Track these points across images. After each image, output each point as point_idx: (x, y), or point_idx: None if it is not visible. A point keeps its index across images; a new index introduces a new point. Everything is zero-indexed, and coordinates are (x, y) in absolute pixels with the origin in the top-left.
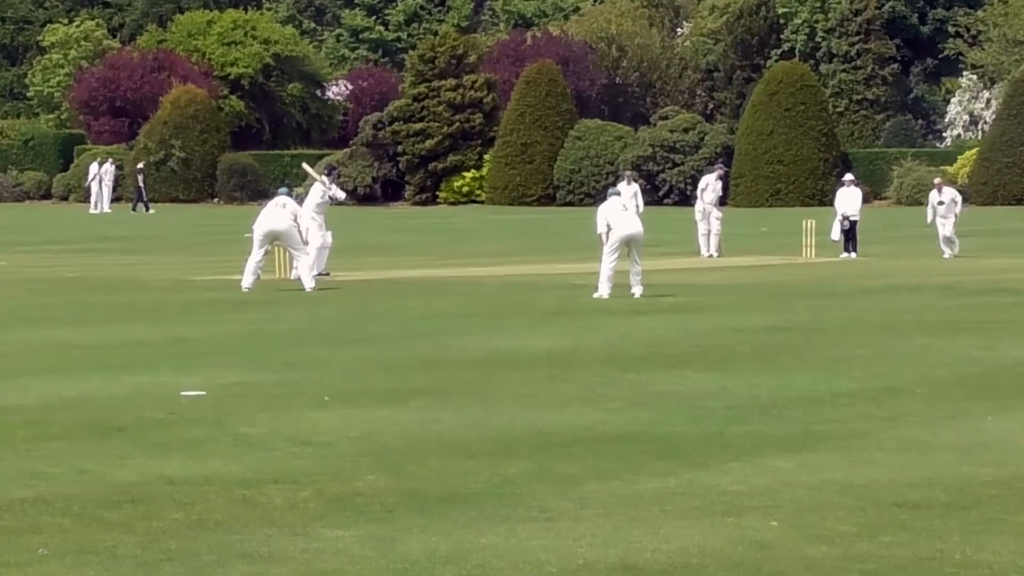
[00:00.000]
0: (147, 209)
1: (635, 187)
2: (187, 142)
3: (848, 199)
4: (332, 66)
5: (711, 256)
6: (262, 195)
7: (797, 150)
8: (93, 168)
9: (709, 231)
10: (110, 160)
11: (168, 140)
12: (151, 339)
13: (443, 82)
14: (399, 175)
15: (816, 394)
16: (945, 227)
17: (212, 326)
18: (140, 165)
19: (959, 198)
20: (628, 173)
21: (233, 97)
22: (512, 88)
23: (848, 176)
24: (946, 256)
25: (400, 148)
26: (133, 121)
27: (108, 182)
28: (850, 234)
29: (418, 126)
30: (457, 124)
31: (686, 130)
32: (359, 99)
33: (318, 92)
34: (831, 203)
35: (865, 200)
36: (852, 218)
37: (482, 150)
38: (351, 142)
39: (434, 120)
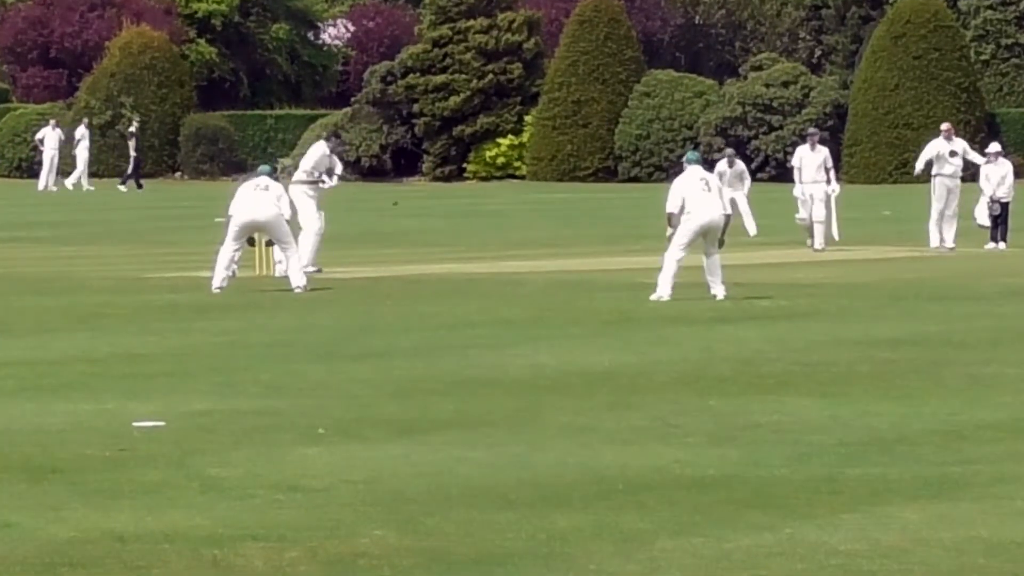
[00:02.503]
0: (139, 185)
1: (741, 166)
2: (141, 100)
3: (995, 176)
4: (328, 1)
5: (814, 249)
6: (237, 168)
7: (929, 110)
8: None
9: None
10: (53, 123)
11: (116, 97)
12: (94, 354)
13: (472, 22)
14: (415, 142)
15: (954, 426)
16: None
17: (172, 338)
18: (134, 127)
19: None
20: (730, 152)
21: (201, 41)
22: (561, 30)
23: (994, 147)
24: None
25: (416, 108)
26: (72, 73)
27: (53, 150)
28: (999, 219)
29: (439, 79)
30: (490, 76)
31: (786, 84)
32: (363, 44)
33: (310, 35)
34: (972, 178)
35: (1017, 174)
36: (1003, 200)
37: (522, 110)
38: (353, 100)
39: (460, 71)
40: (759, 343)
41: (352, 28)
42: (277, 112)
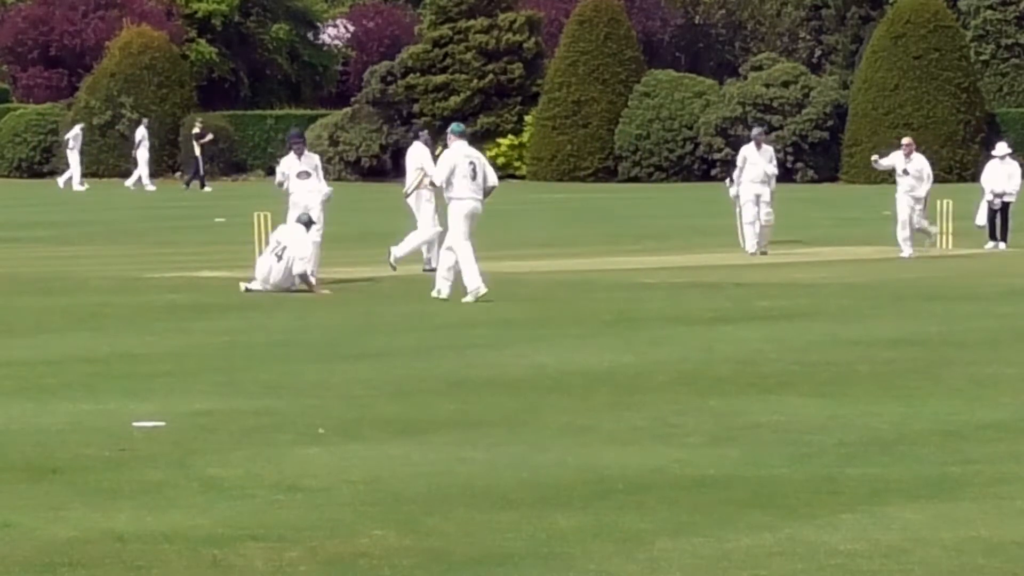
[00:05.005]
0: (202, 185)
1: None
2: (141, 100)
3: (1001, 174)
4: (328, 1)
5: (759, 252)
6: (239, 168)
7: (929, 110)
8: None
9: (757, 218)
10: (146, 122)
11: (116, 97)
12: (94, 354)
13: (472, 22)
14: None
15: (954, 426)
16: (910, 209)
17: (172, 338)
18: (197, 128)
19: (927, 170)
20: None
21: (202, 41)
22: (561, 30)
23: (1002, 147)
24: (905, 254)
25: (416, 107)
26: (72, 73)
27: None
28: (1000, 217)
29: (440, 79)
30: (490, 76)
31: (786, 84)
32: (363, 44)
33: (310, 35)
34: (972, 178)
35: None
36: (1007, 198)
37: (522, 110)
38: (353, 100)
39: (460, 71)
40: (759, 343)
41: (352, 28)
42: (277, 112)
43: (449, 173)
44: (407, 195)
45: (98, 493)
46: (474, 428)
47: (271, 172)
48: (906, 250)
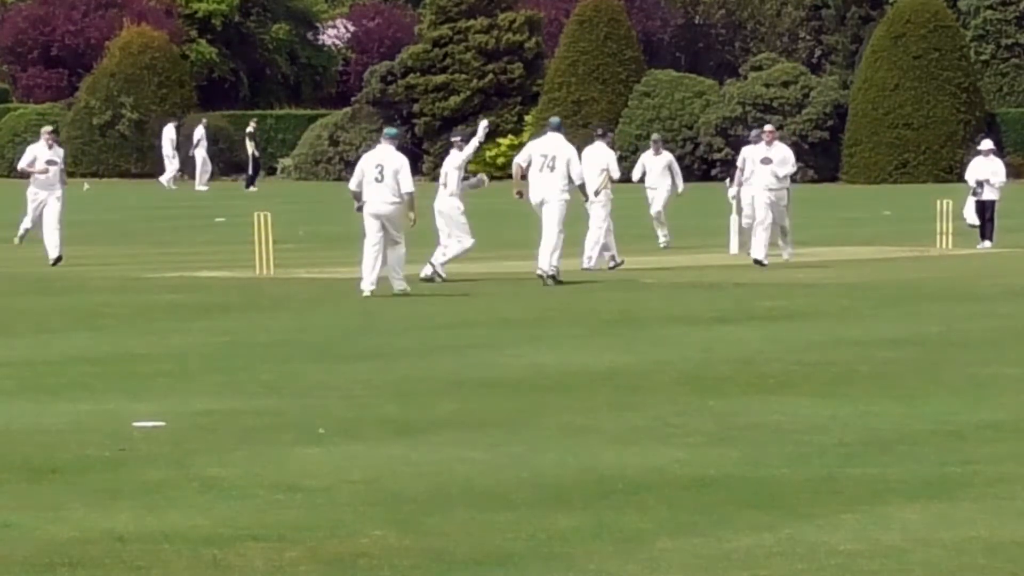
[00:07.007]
0: (252, 184)
1: (669, 156)
2: (141, 99)
3: (986, 170)
4: (328, 2)
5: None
6: (238, 168)
7: (929, 110)
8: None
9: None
10: (205, 121)
11: (116, 97)
12: (94, 354)
13: (472, 22)
14: (415, 142)
15: (955, 426)
16: (768, 207)
17: (172, 338)
18: (251, 127)
19: (792, 158)
20: (655, 138)
21: (202, 41)
22: (561, 30)
23: (987, 143)
24: (787, 255)
25: (416, 107)
26: (72, 73)
27: (204, 149)
28: (988, 216)
29: (440, 79)
30: (490, 76)
31: (786, 84)
32: (363, 44)
33: (310, 35)
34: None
35: (1018, 174)
36: (993, 194)
37: (522, 110)
38: (353, 100)
39: (460, 71)
40: (759, 343)
41: (352, 28)
42: (277, 112)
43: (360, 175)
44: (597, 193)
45: (98, 493)
46: (474, 428)
47: (271, 172)
48: (787, 252)
